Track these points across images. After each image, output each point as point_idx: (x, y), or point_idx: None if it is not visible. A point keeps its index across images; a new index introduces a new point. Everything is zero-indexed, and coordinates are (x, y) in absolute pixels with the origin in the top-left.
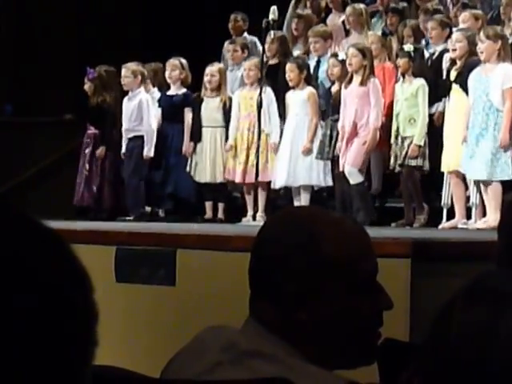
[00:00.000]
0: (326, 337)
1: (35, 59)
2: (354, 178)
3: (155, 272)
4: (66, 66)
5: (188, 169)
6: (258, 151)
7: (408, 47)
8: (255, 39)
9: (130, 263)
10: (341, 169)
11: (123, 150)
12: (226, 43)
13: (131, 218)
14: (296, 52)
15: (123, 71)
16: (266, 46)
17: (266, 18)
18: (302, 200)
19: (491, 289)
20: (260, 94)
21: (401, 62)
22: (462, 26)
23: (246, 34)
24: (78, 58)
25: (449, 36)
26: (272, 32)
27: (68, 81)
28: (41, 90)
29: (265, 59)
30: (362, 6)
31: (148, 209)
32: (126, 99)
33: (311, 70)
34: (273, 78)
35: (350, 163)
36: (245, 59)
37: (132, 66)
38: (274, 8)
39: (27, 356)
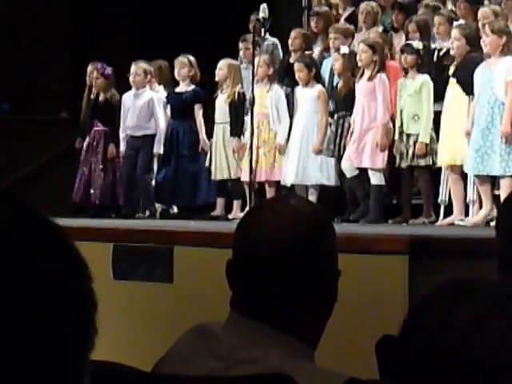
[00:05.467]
0: (324, 318)
1: (31, 58)
2: (376, 179)
3: (153, 269)
4: (62, 64)
5: (207, 163)
6: (251, 148)
7: (417, 44)
8: (276, 40)
9: (127, 260)
10: (355, 164)
11: (124, 147)
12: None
13: (146, 215)
14: (316, 49)
15: (134, 68)
16: (290, 42)
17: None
18: (310, 199)
19: (478, 291)
20: (252, 91)
21: (408, 58)
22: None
23: (267, 35)
24: (74, 56)
25: None
26: (262, 30)
27: (64, 79)
28: (37, 88)
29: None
30: (374, 3)
31: (157, 206)
32: (129, 96)
33: (328, 68)
34: (291, 75)
35: (370, 166)
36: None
37: (143, 64)
38: (263, 6)
39: (26, 344)
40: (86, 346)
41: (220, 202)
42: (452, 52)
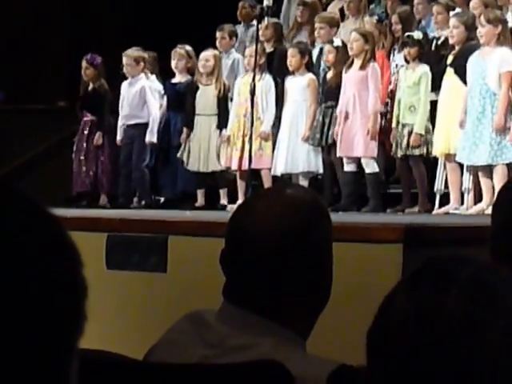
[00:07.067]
0: (318, 310)
1: (28, 46)
2: (370, 167)
3: (146, 259)
4: (59, 53)
5: (179, 155)
6: (251, 138)
7: (417, 35)
8: None
9: (121, 250)
10: (338, 154)
11: (120, 136)
12: (240, 27)
13: (141, 205)
14: (301, 39)
15: (124, 59)
16: (260, 33)
17: (261, 4)
18: None
19: (436, 269)
20: (253, 80)
21: (411, 50)
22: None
23: (254, 22)
24: (71, 45)
25: None
26: (266, 19)
27: (60, 68)
28: (33, 77)
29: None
30: None
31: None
32: (125, 84)
33: (314, 58)
34: (268, 65)
35: (363, 154)
36: (233, 46)
37: (133, 52)
38: None
39: (14, 329)
40: (74, 332)
41: (200, 193)
42: (451, 41)
